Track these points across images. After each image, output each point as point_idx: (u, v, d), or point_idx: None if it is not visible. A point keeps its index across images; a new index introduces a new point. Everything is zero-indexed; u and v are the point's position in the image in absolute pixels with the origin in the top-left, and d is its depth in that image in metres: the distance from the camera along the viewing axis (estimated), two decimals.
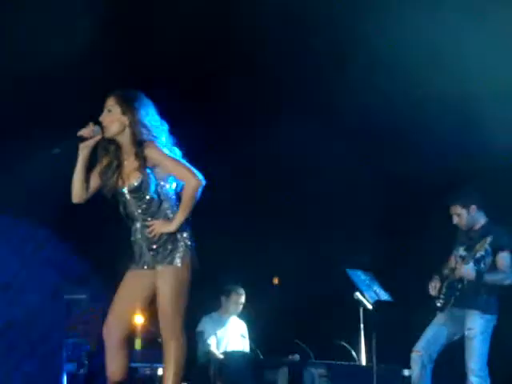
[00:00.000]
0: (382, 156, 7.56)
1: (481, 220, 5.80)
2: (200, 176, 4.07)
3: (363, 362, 6.43)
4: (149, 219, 4.11)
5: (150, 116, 4.15)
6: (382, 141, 7.42)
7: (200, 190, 4.07)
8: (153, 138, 4.09)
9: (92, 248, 6.67)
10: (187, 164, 4.10)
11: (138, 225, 4.16)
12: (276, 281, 7.97)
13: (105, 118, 4.13)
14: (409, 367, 5.93)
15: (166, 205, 4.12)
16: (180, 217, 4.07)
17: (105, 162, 4.17)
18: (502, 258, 5.63)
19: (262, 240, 7.85)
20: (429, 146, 7.26)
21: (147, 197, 4.10)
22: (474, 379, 5.58)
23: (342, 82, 6.93)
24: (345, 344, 6.58)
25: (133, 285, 4.15)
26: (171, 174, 4.10)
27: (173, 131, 4.22)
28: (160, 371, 6.16)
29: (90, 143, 4.12)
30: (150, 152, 4.06)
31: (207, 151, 5.90)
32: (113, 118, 4.12)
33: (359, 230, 7.58)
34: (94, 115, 4.14)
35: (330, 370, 6.18)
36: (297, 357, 6.61)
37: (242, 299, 7.10)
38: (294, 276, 7.87)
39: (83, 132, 4.10)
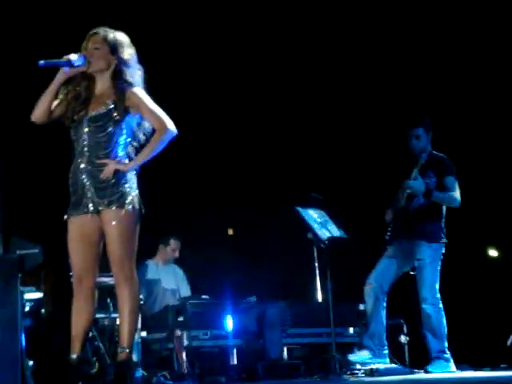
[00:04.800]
0: None
1: (428, 147, 5.95)
2: (174, 127, 4.13)
3: (319, 299, 6.50)
4: (100, 156, 4.07)
5: (134, 59, 4.21)
6: None
7: (169, 139, 4.12)
8: (135, 82, 4.16)
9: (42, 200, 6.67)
10: (164, 113, 4.14)
11: (84, 162, 4.09)
12: (231, 231, 8.00)
13: (91, 53, 4.15)
14: (363, 302, 6.05)
15: (120, 147, 4.11)
16: (140, 158, 4.11)
17: (73, 93, 4.18)
18: (448, 181, 5.83)
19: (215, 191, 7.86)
20: None
21: (108, 129, 4.08)
22: (427, 307, 5.72)
23: None
24: None
25: (83, 234, 4.12)
26: (145, 117, 4.13)
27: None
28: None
29: (72, 71, 4.13)
30: (130, 93, 4.12)
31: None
32: (100, 55, 4.15)
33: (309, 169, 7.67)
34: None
35: (288, 308, 6.23)
36: (253, 298, 6.66)
37: (179, 246, 7.21)
38: (247, 224, 7.91)
39: (70, 57, 4.09)
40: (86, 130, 4.10)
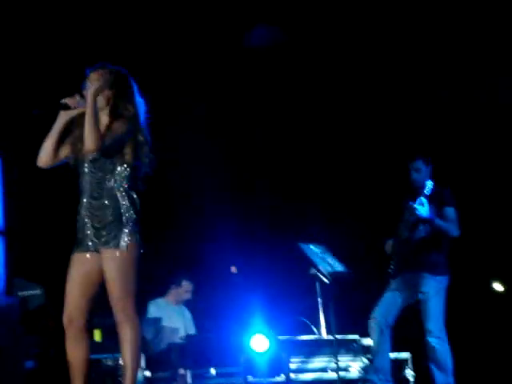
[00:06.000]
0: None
1: (429, 179, 5.96)
2: (94, 150, 3.97)
3: (324, 335, 6.45)
4: (99, 193, 4.07)
5: (134, 94, 4.18)
6: None
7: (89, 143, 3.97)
8: (131, 114, 4.12)
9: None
10: (119, 142, 4.07)
11: (85, 200, 4.11)
12: (234, 269, 8.00)
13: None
14: (368, 336, 6.02)
15: (119, 183, 4.08)
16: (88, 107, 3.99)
17: (77, 133, 4.15)
18: (447, 211, 5.84)
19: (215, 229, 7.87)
20: None
21: (107, 166, 4.06)
22: (432, 340, 5.68)
23: None
24: (304, 320, 6.60)
25: (81, 272, 4.09)
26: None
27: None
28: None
29: (73, 113, 4.12)
30: (116, 123, 4.10)
31: None
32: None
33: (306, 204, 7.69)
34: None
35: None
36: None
37: (192, 288, 7.19)
38: (250, 260, 7.90)
39: (68, 101, 4.09)
40: (88, 168, 4.12)
